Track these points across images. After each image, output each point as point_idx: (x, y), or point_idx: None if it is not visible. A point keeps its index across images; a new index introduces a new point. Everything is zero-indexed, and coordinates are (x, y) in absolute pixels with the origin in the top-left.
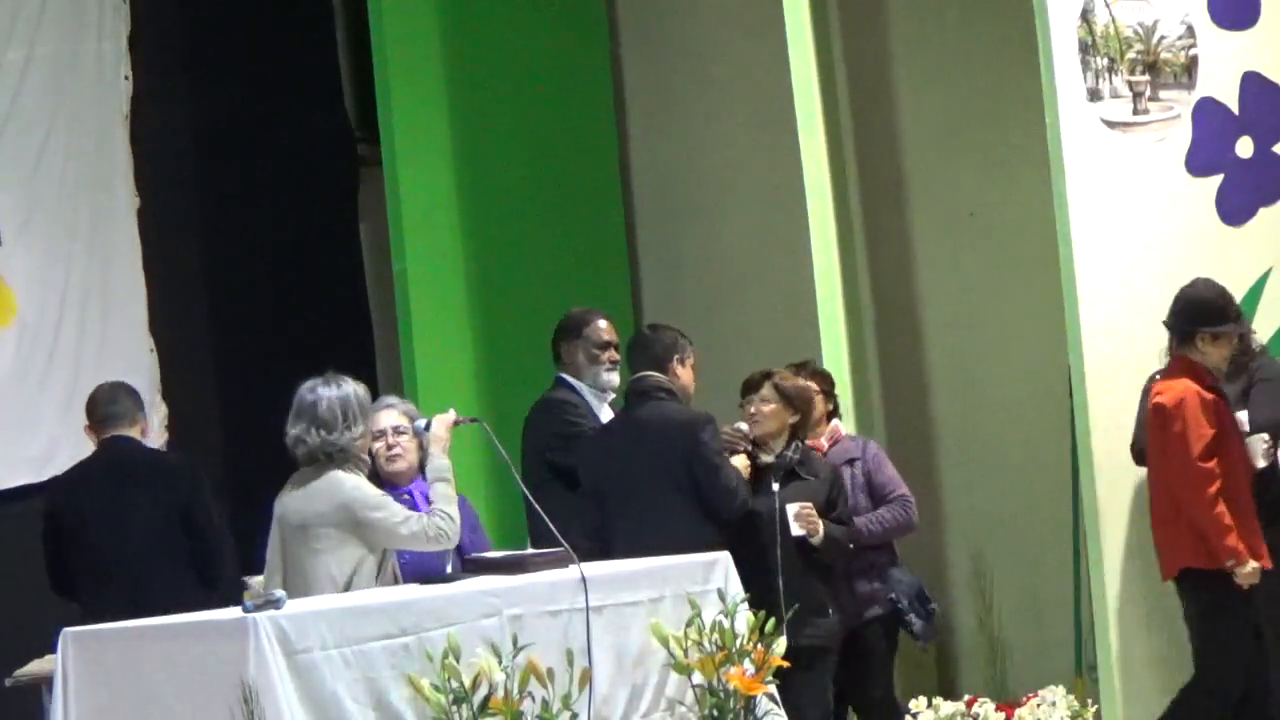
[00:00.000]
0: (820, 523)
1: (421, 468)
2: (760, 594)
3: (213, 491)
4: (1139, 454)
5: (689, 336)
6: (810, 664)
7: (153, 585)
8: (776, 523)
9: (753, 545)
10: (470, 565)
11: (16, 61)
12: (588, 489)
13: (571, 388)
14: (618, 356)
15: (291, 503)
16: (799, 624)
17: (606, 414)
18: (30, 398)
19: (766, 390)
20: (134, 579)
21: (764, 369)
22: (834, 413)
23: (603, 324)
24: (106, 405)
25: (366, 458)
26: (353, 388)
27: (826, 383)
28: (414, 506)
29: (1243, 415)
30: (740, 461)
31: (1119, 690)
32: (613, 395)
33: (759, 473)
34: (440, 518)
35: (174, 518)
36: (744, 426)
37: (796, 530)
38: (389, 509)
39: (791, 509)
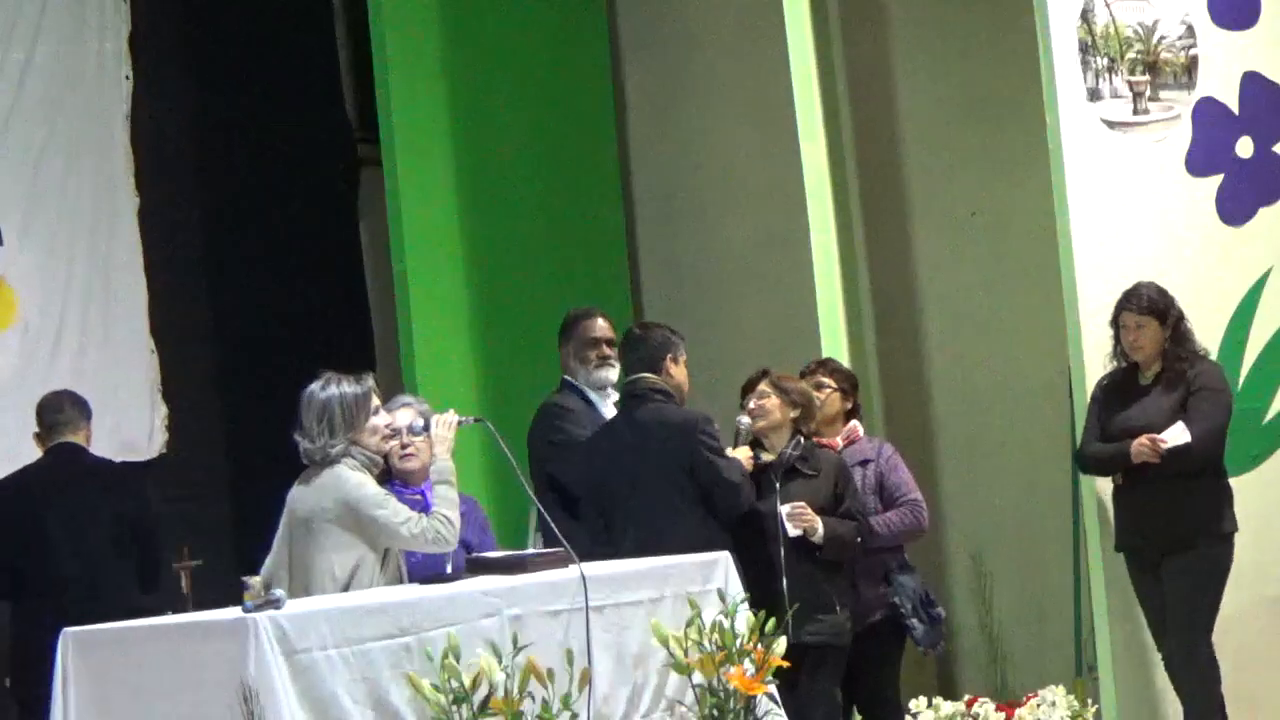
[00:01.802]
0: (817, 520)
1: None
2: (765, 594)
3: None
4: (1101, 464)
5: (680, 333)
6: (817, 663)
7: (108, 587)
8: (778, 521)
9: (757, 545)
10: (470, 565)
11: (17, 62)
12: (587, 495)
13: (574, 388)
14: (609, 353)
15: (299, 496)
16: (803, 621)
17: (611, 412)
18: (32, 398)
19: (765, 385)
20: (91, 581)
21: (761, 368)
22: (854, 413)
23: (594, 322)
24: (53, 413)
25: (378, 457)
26: (339, 390)
27: (846, 381)
28: (425, 506)
29: (1179, 428)
30: (742, 453)
31: (1119, 690)
32: (613, 393)
33: (761, 471)
34: (440, 521)
35: (126, 522)
36: (744, 420)
37: (793, 530)
38: (391, 508)
39: (784, 510)
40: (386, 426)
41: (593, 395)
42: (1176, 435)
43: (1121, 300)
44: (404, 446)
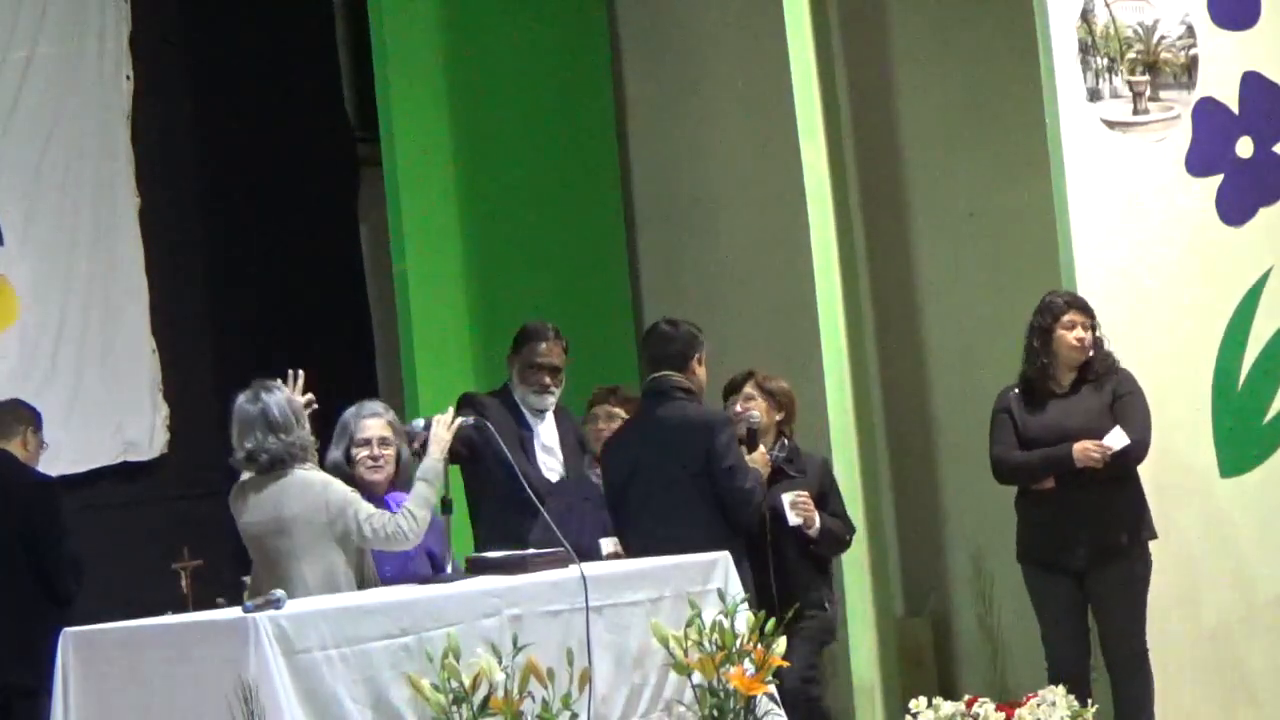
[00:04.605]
0: (815, 513)
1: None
2: (755, 592)
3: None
4: (1030, 471)
5: (703, 332)
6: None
7: None
8: (767, 521)
9: (748, 544)
10: (470, 565)
11: (18, 61)
12: (605, 486)
13: (509, 396)
14: (549, 382)
15: (259, 507)
16: (793, 618)
17: (544, 426)
18: (33, 398)
19: (750, 388)
20: None
21: (744, 370)
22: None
23: (538, 346)
24: None
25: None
26: (282, 392)
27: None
28: None
29: (1117, 432)
30: (759, 457)
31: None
32: (548, 416)
33: None
34: (404, 516)
35: (14, 535)
36: (756, 416)
37: (794, 519)
38: (357, 504)
39: (786, 498)
40: (361, 438)
41: (525, 411)
42: (1117, 439)
43: (1056, 306)
44: (374, 459)
